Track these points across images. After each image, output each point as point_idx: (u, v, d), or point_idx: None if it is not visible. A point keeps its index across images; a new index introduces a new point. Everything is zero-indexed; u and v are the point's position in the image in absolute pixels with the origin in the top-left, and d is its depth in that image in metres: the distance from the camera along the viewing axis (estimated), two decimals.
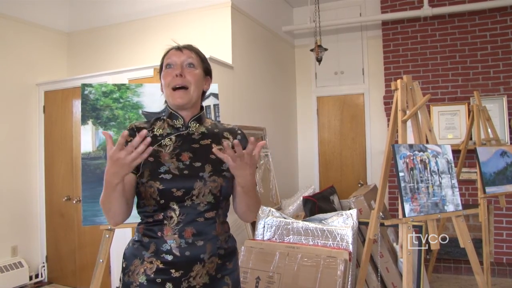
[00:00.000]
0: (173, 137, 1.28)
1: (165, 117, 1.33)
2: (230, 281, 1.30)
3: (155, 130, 1.29)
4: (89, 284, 1.98)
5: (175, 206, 1.20)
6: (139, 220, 1.29)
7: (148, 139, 1.04)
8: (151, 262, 1.19)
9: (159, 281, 1.18)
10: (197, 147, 1.28)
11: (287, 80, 5.01)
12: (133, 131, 1.26)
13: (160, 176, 1.20)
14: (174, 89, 1.25)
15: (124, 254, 1.28)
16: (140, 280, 1.19)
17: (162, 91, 1.33)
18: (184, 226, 1.19)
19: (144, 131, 1.03)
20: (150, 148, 1.05)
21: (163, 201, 1.19)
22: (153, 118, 1.35)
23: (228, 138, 1.35)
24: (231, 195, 1.32)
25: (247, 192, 1.23)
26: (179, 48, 1.31)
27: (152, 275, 1.19)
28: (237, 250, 1.37)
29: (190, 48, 1.32)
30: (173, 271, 1.19)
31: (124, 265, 1.26)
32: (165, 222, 1.20)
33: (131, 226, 2.24)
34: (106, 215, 1.20)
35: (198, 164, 1.24)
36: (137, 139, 1.02)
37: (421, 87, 2.33)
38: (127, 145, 1.03)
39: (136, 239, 1.26)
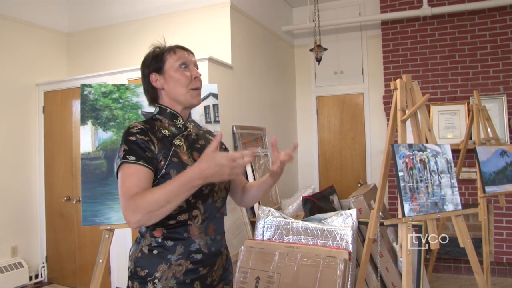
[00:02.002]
0: (179, 137, 1.29)
1: (161, 117, 1.30)
2: (232, 270, 1.40)
3: (162, 130, 1.26)
4: (89, 285, 1.98)
5: (201, 205, 1.23)
6: None
7: (253, 152, 1.07)
8: (179, 265, 1.19)
9: (188, 282, 1.20)
10: (199, 147, 1.32)
11: (286, 80, 5.01)
12: (145, 132, 1.21)
13: None
14: (196, 89, 1.30)
15: (138, 261, 1.22)
16: (170, 285, 1.18)
17: (160, 87, 1.30)
18: (208, 224, 1.25)
19: (254, 150, 1.10)
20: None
21: (194, 200, 1.20)
22: (148, 118, 1.32)
23: (212, 140, 1.42)
24: (244, 190, 1.45)
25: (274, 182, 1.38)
26: (189, 51, 1.34)
27: (182, 277, 1.19)
28: None
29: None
30: (201, 269, 1.23)
31: (143, 274, 1.19)
32: (189, 222, 1.21)
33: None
34: (149, 216, 1.07)
35: None
36: (250, 159, 1.04)
37: (420, 86, 2.33)
38: (239, 159, 1.03)
39: (154, 244, 1.21)
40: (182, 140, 1.28)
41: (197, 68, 1.33)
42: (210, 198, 1.25)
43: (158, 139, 1.22)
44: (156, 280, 1.18)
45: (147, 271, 1.19)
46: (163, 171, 1.18)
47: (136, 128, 1.21)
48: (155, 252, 1.21)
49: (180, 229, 1.20)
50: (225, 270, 1.34)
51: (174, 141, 1.26)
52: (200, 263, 1.22)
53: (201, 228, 1.22)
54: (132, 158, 1.15)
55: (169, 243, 1.20)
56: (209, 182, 1.07)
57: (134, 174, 1.14)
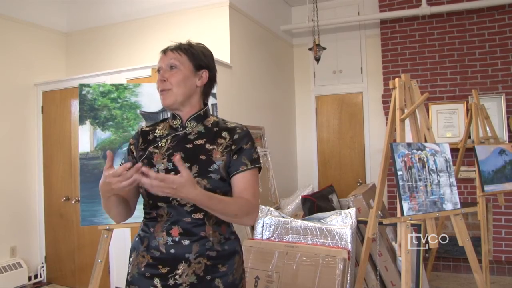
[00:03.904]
0: (169, 138, 1.32)
1: (170, 118, 1.37)
2: (222, 284, 1.25)
3: (157, 131, 1.36)
4: (88, 285, 1.97)
5: (164, 205, 1.24)
6: (138, 220, 1.37)
7: (138, 165, 1.08)
8: (143, 256, 1.26)
9: (148, 276, 1.24)
10: (190, 147, 1.29)
11: (285, 79, 5.01)
12: (137, 135, 1.38)
13: None
14: (161, 92, 1.32)
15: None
16: (133, 273, 1.27)
17: None
18: (172, 225, 1.24)
19: (128, 164, 1.09)
20: (137, 177, 1.07)
21: (151, 201, 1.26)
22: (160, 120, 1.43)
23: (224, 138, 1.31)
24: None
25: (206, 208, 1.17)
26: (164, 52, 1.34)
27: (142, 269, 1.25)
28: (237, 254, 1.33)
29: (176, 48, 1.33)
30: (160, 267, 1.23)
31: (129, 257, 1.34)
32: (158, 219, 1.26)
33: (129, 226, 2.24)
34: (108, 215, 1.33)
35: (186, 165, 1.23)
36: (120, 170, 1.08)
37: (419, 85, 2.33)
38: (120, 169, 1.09)
39: (139, 232, 1.34)
40: (169, 140, 1.31)
41: (173, 67, 1.29)
42: (174, 201, 1.21)
43: (147, 141, 1.34)
44: (129, 264, 1.31)
45: (128, 254, 1.34)
46: None
47: (137, 131, 1.40)
48: (136, 239, 1.32)
49: (150, 224, 1.28)
50: (202, 281, 1.22)
51: (159, 142, 1.31)
52: (159, 260, 1.23)
53: (164, 227, 1.24)
54: (123, 162, 1.33)
55: (142, 234, 1.30)
56: (111, 192, 1.19)
57: None
